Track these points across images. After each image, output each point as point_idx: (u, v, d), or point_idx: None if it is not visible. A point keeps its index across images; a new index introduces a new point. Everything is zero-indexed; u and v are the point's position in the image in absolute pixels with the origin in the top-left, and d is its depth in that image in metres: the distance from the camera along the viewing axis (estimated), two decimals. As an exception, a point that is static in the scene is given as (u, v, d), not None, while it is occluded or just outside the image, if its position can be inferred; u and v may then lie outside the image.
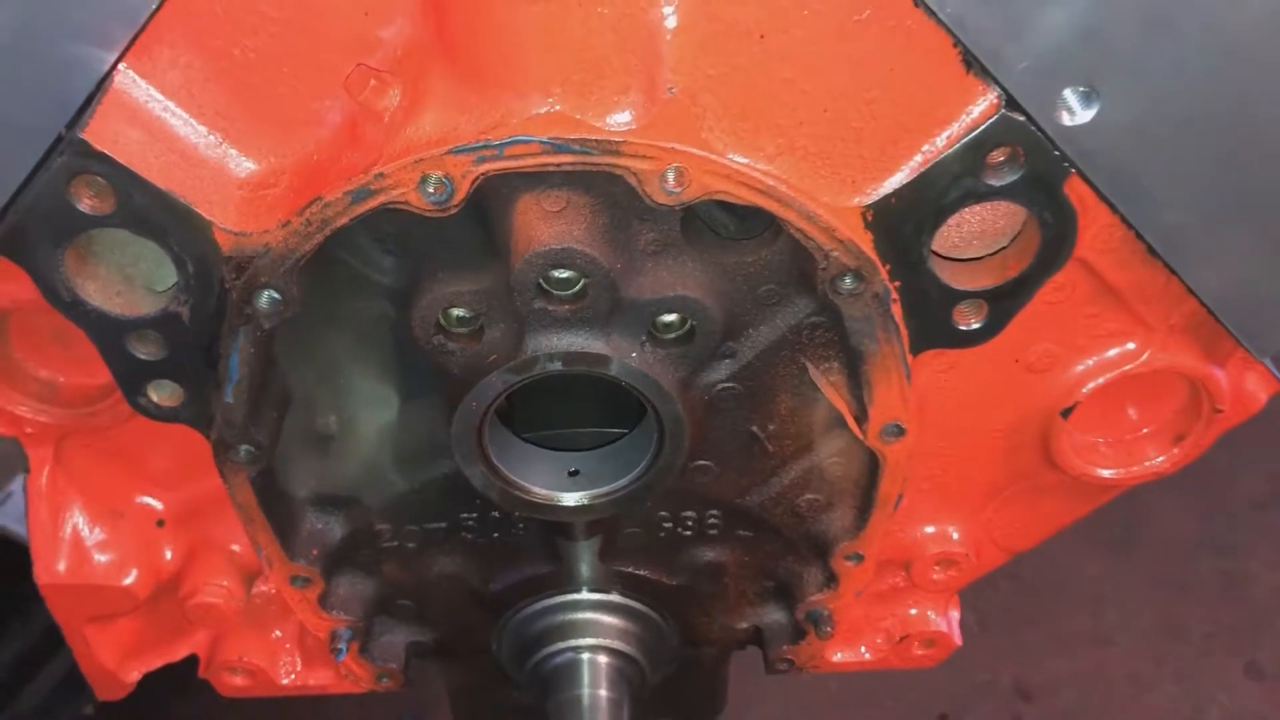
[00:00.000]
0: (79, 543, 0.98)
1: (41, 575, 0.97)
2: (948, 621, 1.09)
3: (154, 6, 0.73)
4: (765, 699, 2.78)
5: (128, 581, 0.99)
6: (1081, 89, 0.72)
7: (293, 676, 1.10)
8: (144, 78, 0.76)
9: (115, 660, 1.04)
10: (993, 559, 1.05)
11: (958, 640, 1.09)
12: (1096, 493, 0.99)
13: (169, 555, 1.03)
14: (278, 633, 1.11)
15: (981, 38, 0.69)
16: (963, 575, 1.04)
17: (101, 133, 0.72)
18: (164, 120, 0.76)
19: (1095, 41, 0.70)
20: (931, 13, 0.69)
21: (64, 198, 0.74)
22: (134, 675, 1.07)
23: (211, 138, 0.78)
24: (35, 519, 0.96)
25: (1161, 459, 0.95)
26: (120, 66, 0.75)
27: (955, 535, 1.03)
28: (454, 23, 0.72)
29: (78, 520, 0.98)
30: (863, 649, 1.12)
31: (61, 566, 0.99)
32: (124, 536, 1.00)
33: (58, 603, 0.98)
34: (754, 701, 2.78)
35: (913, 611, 1.11)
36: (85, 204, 0.74)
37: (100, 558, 0.99)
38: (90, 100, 0.74)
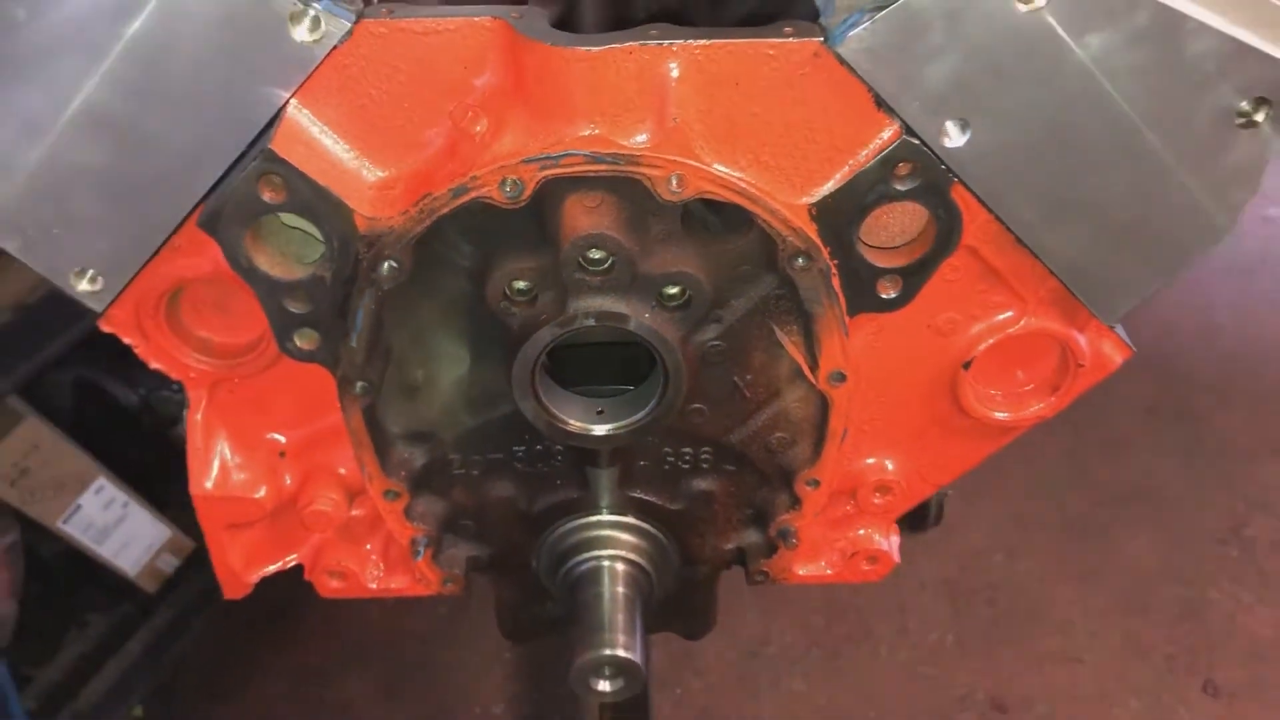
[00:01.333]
0: (224, 464, 1.26)
1: (194, 488, 1.25)
2: (889, 543, 1.37)
3: (317, 61, 1.03)
4: (758, 714, 3.00)
5: (258, 495, 1.28)
6: (958, 121, 1.01)
7: (377, 582, 1.38)
8: (307, 108, 1.05)
9: (241, 564, 1.32)
10: (921, 490, 1.31)
11: (896, 559, 1.37)
12: (998, 434, 1.27)
13: (288, 480, 1.30)
14: (368, 546, 1.37)
15: (886, 86, 0.99)
16: (897, 502, 1.31)
17: (282, 145, 1.03)
18: (320, 139, 1.05)
19: (965, 89, 1.00)
20: (851, 69, 0.99)
21: (253, 190, 1.03)
22: (254, 577, 1.34)
23: (352, 153, 1.07)
24: (192, 444, 1.25)
25: (1042, 406, 1.24)
26: (292, 101, 1.04)
27: (890, 466, 1.30)
28: (526, 74, 1.02)
29: (223, 447, 1.26)
30: (822, 564, 1.38)
31: (209, 483, 1.26)
32: (256, 462, 1.28)
33: (205, 510, 1.26)
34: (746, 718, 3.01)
35: (860, 533, 1.37)
36: (267, 195, 1.04)
37: (238, 476, 1.27)
38: (271, 123, 1.04)
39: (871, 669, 3.07)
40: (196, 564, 3.10)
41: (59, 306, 2.49)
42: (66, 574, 3.02)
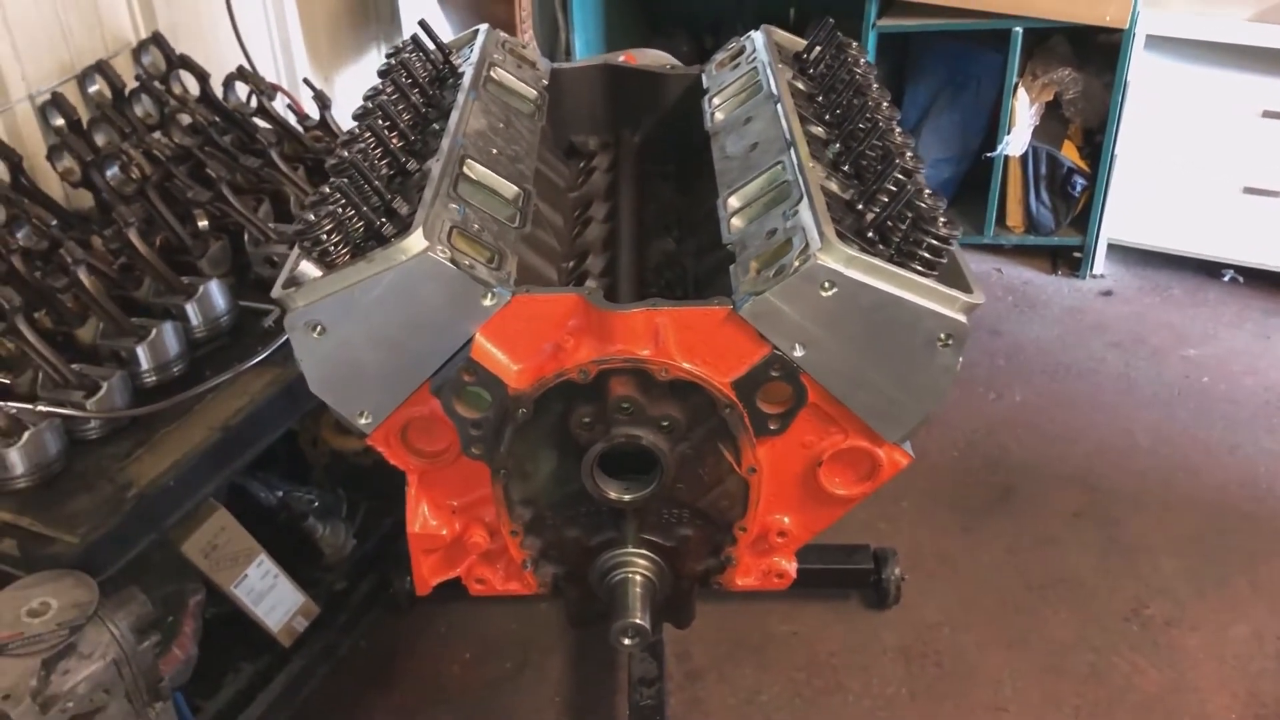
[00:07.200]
0: (424, 516, 2.18)
1: (409, 529, 2.17)
2: (790, 566, 2.30)
3: (492, 314, 2.00)
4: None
5: (443, 534, 2.23)
6: (800, 344, 2.00)
7: (501, 584, 2.29)
8: (485, 335, 1.97)
9: (428, 573, 2.29)
10: (804, 537, 2.23)
11: (794, 575, 2.32)
12: (844, 503, 2.17)
13: (457, 525, 2.16)
14: (498, 565, 2.24)
15: (763, 328, 1.95)
16: (791, 541, 2.26)
17: (474, 354, 2.00)
18: (491, 349, 1.99)
19: (800, 331, 1.97)
20: (746, 321, 1.95)
21: (459, 375, 2.02)
22: (434, 581, 2.30)
23: (505, 357, 1.96)
24: (409, 504, 2.22)
25: (865, 487, 2.17)
26: (478, 332, 1.94)
27: (786, 520, 2.14)
28: (591, 320, 1.96)
29: (424, 506, 2.17)
30: (752, 578, 2.18)
31: (417, 527, 2.14)
32: (440, 515, 2.15)
33: (414, 542, 2.23)
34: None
35: (774, 560, 2.19)
36: (466, 378, 1.99)
37: (431, 522, 2.14)
38: (468, 342, 1.94)
39: (842, 714, 3.61)
40: (321, 626, 3.96)
41: (243, 430, 3.16)
42: (223, 631, 3.81)
